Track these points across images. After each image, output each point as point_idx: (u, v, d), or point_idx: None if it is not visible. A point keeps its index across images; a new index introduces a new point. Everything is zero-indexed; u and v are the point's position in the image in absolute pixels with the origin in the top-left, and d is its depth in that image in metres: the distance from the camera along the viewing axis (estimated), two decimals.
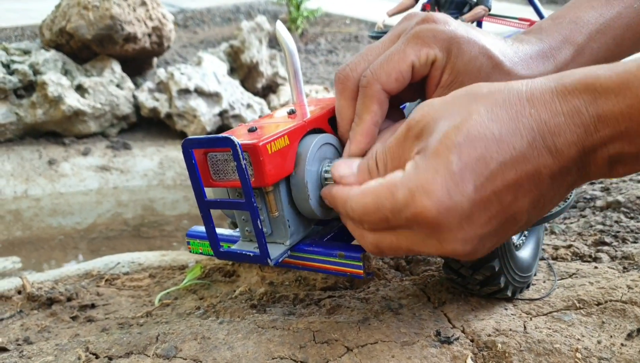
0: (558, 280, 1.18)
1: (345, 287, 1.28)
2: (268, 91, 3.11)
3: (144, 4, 2.79)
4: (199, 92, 2.64)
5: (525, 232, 1.14)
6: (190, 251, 1.02)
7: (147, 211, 2.41)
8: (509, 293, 1.06)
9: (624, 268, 1.23)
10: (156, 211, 2.41)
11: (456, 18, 1.42)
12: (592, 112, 0.50)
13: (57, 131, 2.70)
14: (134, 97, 2.76)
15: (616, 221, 1.54)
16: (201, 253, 1.02)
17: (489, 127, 0.52)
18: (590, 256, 1.33)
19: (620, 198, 1.67)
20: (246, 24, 2.97)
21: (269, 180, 0.79)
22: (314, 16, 4.88)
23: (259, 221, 0.78)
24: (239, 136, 0.80)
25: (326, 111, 0.91)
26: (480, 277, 1.02)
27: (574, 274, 1.20)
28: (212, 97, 2.66)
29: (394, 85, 0.72)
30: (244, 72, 3.00)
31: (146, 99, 2.71)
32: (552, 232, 1.57)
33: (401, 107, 0.89)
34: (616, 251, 1.35)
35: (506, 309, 1.07)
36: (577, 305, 1.06)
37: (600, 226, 1.52)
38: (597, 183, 1.88)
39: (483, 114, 0.53)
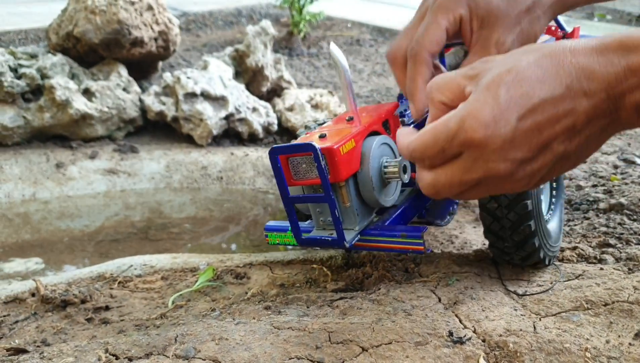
0: (565, 281, 1.20)
1: (356, 289, 1.30)
2: (273, 94, 3.13)
3: (150, 8, 2.81)
4: (205, 96, 2.66)
5: (551, 209, 1.34)
6: (269, 243, 1.19)
7: (154, 213, 2.43)
8: (542, 257, 1.22)
9: (629, 269, 1.25)
10: (163, 213, 2.43)
11: None
12: (623, 63, 0.58)
13: (64, 135, 2.72)
14: (141, 100, 2.78)
15: (619, 223, 1.56)
16: (278, 244, 1.19)
17: (535, 71, 0.60)
18: (595, 257, 1.35)
19: (623, 200, 1.69)
20: (251, 28, 2.99)
21: (343, 176, 0.96)
22: (316, 20, 4.89)
23: (336, 211, 0.96)
24: (314, 142, 0.96)
25: (378, 116, 1.11)
26: (517, 238, 1.17)
27: (580, 275, 1.22)
28: (218, 101, 2.68)
29: (435, 48, 0.87)
30: (249, 76, 3.02)
31: (153, 102, 2.73)
32: None
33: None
34: (620, 252, 1.37)
35: (516, 309, 1.09)
36: (585, 305, 1.08)
37: (604, 228, 1.54)
38: (600, 186, 1.90)
39: (531, 61, 0.61)
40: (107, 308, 1.34)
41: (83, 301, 1.35)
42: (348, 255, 1.47)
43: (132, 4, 2.72)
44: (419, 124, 1.06)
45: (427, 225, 1.50)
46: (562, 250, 1.39)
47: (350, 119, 1.06)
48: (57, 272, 1.90)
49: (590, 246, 1.44)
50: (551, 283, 1.20)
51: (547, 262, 1.25)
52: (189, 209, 2.46)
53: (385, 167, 1.04)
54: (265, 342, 0.98)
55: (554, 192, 1.37)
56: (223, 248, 2.14)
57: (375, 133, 1.07)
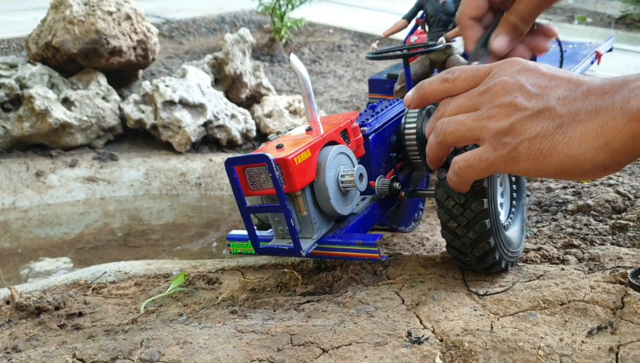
0: (526, 281, 1.23)
1: (325, 292, 1.33)
2: (252, 101, 3.16)
3: (128, 18, 2.83)
4: (184, 103, 2.68)
5: (511, 215, 1.35)
6: (231, 252, 1.24)
7: (133, 220, 2.45)
8: (504, 266, 1.23)
9: (590, 269, 1.28)
10: (142, 220, 2.45)
11: (441, 35, 1.50)
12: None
13: (44, 144, 2.74)
14: (120, 109, 2.80)
15: (586, 224, 1.59)
16: (240, 253, 1.24)
17: (541, 66, 0.72)
18: (558, 258, 1.38)
19: (590, 201, 1.72)
20: (230, 36, 3.01)
21: (297, 186, 0.99)
22: (297, 26, 4.92)
23: (292, 220, 0.98)
24: (270, 152, 0.98)
25: (337, 126, 1.14)
26: (478, 254, 1.19)
27: (541, 276, 1.25)
28: (197, 108, 2.70)
29: (474, 13, 0.94)
30: (228, 83, 3.04)
31: (132, 111, 2.75)
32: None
33: None
34: (584, 253, 1.40)
35: (475, 310, 1.12)
36: (542, 305, 1.11)
37: (570, 229, 1.57)
38: (570, 187, 1.94)
39: (544, 66, 0.72)
40: (80, 314, 1.36)
41: (57, 308, 1.37)
42: (320, 259, 1.49)
43: (110, 13, 2.74)
44: None
45: (392, 232, 1.53)
46: (527, 251, 1.42)
47: (309, 129, 1.09)
48: (34, 279, 1.92)
49: (555, 247, 1.47)
50: (512, 283, 1.22)
51: (508, 268, 1.27)
52: (168, 215, 2.48)
53: (342, 176, 1.07)
54: (228, 345, 1.01)
55: (514, 194, 1.39)
56: (201, 254, 2.17)
57: (333, 143, 1.10)
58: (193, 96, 2.68)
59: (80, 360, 1.02)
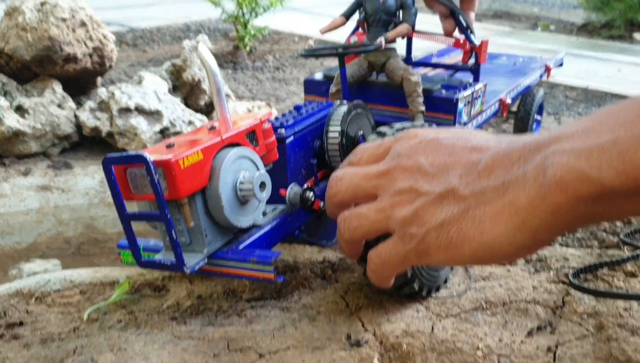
0: (472, 283, 1.23)
1: (273, 297, 1.31)
2: (211, 107, 3.14)
3: (83, 24, 2.80)
4: (140, 110, 2.65)
5: None
6: (122, 262, 1.10)
7: (88, 229, 2.41)
8: (426, 293, 1.12)
9: (536, 270, 1.29)
10: (97, 229, 2.41)
11: (381, 35, 1.45)
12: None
13: None
14: (76, 116, 2.76)
15: None
16: (131, 263, 1.08)
17: (442, 137, 0.66)
18: None
19: None
20: (188, 43, 3.00)
21: (182, 193, 0.86)
22: (261, 34, 4.92)
23: (173, 231, 0.85)
24: (156, 152, 0.87)
25: (245, 127, 1.00)
26: (396, 283, 1.07)
27: (486, 277, 1.25)
28: (153, 115, 2.68)
29: None
30: (186, 90, 3.02)
31: (87, 118, 2.71)
32: None
33: None
34: (532, 254, 1.40)
35: (418, 311, 1.11)
36: (484, 305, 1.11)
37: None
38: None
39: (444, 134, 0.67)
40: (20, 323, 1.32)
41: None
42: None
43: (64, 20, 2.70)
44: None
45: (310, 246, 1.44)
46: None
47: (213, 128, 0.97)
48: None
49: None
50: (459, 285, 1.22)
51: (432, 293, 1.15)
52: None
53: (241, 183, 0.96)
54: (164, 352, 0.98)
55: None
56: None
57: (236, 145, 0.98)
58: (149, 103, 2.65)
59: None
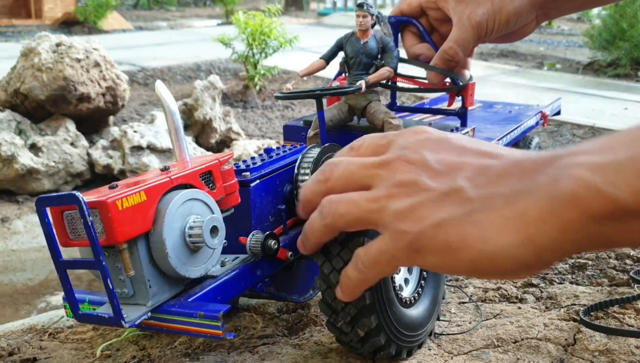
0: (483, 320, 1.23)
1: (284, 334, 1.32)
2: (222, 145, 3.18)
3: (97, 65, 2.85)
4: (152, 148, 2.69)
5: (419, 289, 1.12)
6: (67, 315, 0.91)
7: None
8: (397, 351, 1.03)
9: (546, 307, 1.29)
10: None
11: (362, 78, 1.41)
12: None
13: (10, 189, 2.72)
14: (88, 154, 2.80)
15: None
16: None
17: (452, 137, 0.64)
18: (516, 297, 1.38)
19: None
20: (200, 82, 3.05)
21: (119, 237, 0.78)
22: (271, 74, 4.99)
23: (109, 281, 0.76)
24: (97, 193, 0.80)
25: (199, 167, 0.92)
26: (360, 334, 0.99)
27: (498, 314, 1.26)
28: (165, 153, 2.71)
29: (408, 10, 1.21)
30: (198, 128, 3.06)
31: (100, 156, 2.75)
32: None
33: None
34: (542, 292, 1.41)
35: (430, 349, 1.11)
36: (496, 343, 1.11)
37: None
38: None
39: (455, 137, 0.65)
40: (34, 360, 1.33)
41: (10, 354, 1.34)
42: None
43: (79, 61, 2.76)
44: None
45: (279, 301, 1.33)
46: (486, 290, 1.42)
47: (166, 168, 0.89)
48: None
49: (514, 286, 1.48)
50: (470, 323, 1.23)
51: (402, 354, 1.05)
52: None
53: (191, 228, 0.86)
54: None
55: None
56: None
57: (188, 187, 0.89)
58: (161, 141, 2.69)
59: None
